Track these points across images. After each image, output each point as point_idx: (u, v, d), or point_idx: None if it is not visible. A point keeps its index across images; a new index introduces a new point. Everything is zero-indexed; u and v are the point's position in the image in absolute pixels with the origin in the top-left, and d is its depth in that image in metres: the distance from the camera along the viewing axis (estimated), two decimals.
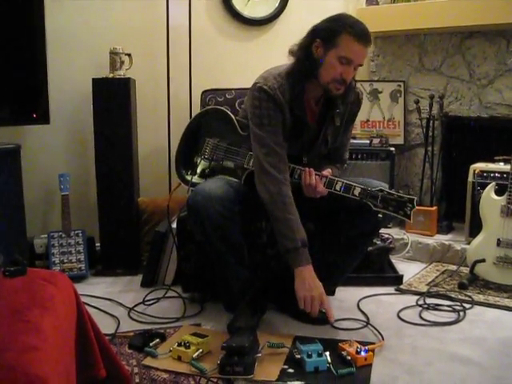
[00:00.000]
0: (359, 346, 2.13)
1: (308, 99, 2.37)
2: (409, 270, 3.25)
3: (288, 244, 2.25)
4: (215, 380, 1.97)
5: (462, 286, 2.92)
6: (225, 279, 2.47)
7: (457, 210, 3.64)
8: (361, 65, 2.27)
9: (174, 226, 2.78)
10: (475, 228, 3.20)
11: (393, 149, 3.68)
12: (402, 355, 2.19)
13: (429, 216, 3.54)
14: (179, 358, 2.10)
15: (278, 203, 2.27)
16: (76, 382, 1.48)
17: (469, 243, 3.25)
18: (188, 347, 2.10)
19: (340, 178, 2.34)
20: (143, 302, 2.75)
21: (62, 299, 1.51)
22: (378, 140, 3.71)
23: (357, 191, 2.24)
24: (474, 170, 3.27)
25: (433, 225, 3.55)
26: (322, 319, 2.50)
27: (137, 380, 1.97)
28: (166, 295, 2.81)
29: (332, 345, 2.20)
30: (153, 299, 2.79)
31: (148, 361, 2.11)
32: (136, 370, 2.05)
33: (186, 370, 2.03)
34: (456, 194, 3.66)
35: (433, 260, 3.42)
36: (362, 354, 2.09)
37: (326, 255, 2.49)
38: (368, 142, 3.71)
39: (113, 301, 2.77)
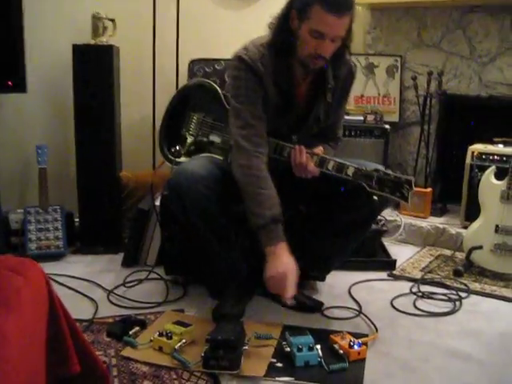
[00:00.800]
0: (352, 338, 2.01)
1: (295, 73, 2.19)
2: (401, 253, 3.14)
3: (257, 221, 2.05)
4: (199, 374, 1.84)
5: (457, 273, 2.80)
6: (210, 264, 2.33)
7: (452, 191, 3.52)
8: (341, 37, 2.04)
9: (158, 203, 2.63)
10: (471, 212, 3.10)
11: (387, 126, 3.53)
12: (397, 349, 2.07)
13: (423, 198, 3.41)
14: (160, 349, 1.96)
15: (247, 177, 2.09)
16: (45, 382, 1.36)
17: (464, 227, 3.15)
18: (170, 337, 1.96)
19: (333, 157, 2.18)
20: (123, 284, 2.61)
21: (31, 292, 1.36)
22: (373, 117, 3.56)
23: (350, 171, 2.08)
24: (473, 152, 3.14)
25: (427, 207, 3.43)
26: (312, 307, 2.39)
27: (115, 373, 1.84)
28: (148, 277, 2.67)
29: (323, 336, 2.07)
30: (134, 281, 2.64)
31: (127, 351, 1.97)
32: (114, 361, 1.91)
33: (168, 362, 1.90)
34: (451, 175, 3.53)
35: (426, 243, 3.30)
36: (355, 347, 1.96)
37: (319, 241, 2.35)
38: (362, 118, 3.56)
39: (91, 282, 2.62)
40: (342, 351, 1.96)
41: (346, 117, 3.45)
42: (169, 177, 2.25)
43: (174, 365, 1.88)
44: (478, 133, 3.34)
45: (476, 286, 2.68)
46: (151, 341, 1.99)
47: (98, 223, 3.06)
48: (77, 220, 3.14)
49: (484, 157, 3.11)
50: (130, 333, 2.06)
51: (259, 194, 2.07)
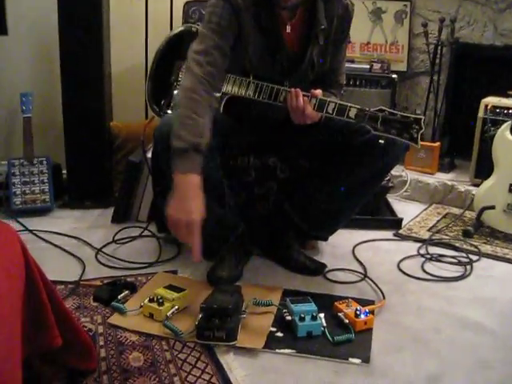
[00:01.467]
0: (358, 306, 1.86)
1: (279, 11, 1.98)
2: (407, 211, 2.98)
3: (177, 143, 1.75)
4: (192, 345, 1.69)
5: (466, 234, 2.65)
6: (203, 223, 2.14)
7: (460, 146, 3.35)
8: None
9: (150, 155, 2.45)
10: (482, 169, 2.96)
11: (395, 76, 3.33)
12: (406, 318, 1.93)
13: (430, 152, 3.24)
14: (151, 316, 1.81)
15: (187, 99, 1.84)
16: (21, 360, 1.21)
17: (474, 185, 3.01)
18: (161, 304, 1.81)
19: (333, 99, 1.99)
20: (113, 241, 2.45)
21: (3, 261, 1.20)
22: (379, 65, 3.35)
23: (352, 113, 1.89)
24: (486, 105, 2.95)
25: (434, 162, 3.26)
26: (314, 269, 2.24)
27: (101, 343, 1.69)
28: (140, 234, 2.52)
29: (326, 303, 1.93)
30: (124, 238, 2.49)
31: (115, 318, 1.82)
32: (101, 329, 1.76)
33: (159, 331, 1.75)
34: (461, 129, 3.35)
35: (433, 201, 3.14)
36: (362, 316, 1.82)
37: (322, 199, 2.18)
38: (368, 66, 3.35)
39: (79, 239, 2.47)
40: (347, 321, 1.81)
41: (351, 65, 3.28)
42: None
43: (166, 334, 1.73)
44: (491, 85, 3.15)
45: (487, 248, 2.53)
46: (141, 307, 1.84)
47: (87, 176, 2.88)
48: (64, 172, 2.96)
49: (498, 110, 2.93)
50: (119, 297, 1.91)
51: (191, 118, 1.80)
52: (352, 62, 3.37)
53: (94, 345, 1.59)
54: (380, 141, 1.88)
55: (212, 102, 1.88)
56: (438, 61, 3.31)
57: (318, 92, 1.96)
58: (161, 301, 1.81)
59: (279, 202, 2.28)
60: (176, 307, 1.82)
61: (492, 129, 2.85)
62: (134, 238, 2.49)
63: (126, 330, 1.76)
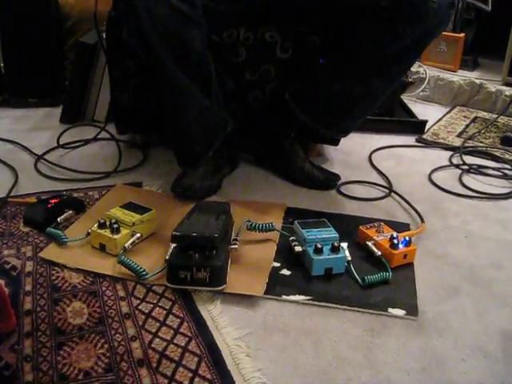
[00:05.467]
0: (394, 232, 1.34)
1: None
2: (426, 113, 2.42)
3: None
4: (160, 291, 1.16)
5: (506, 141, 2.12)
6: (182, 118, 1.56)
7: (484, 41, 2.76)
8: None
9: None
10: None
11: None
12: (454, 248, 1.41)
13: (454, 45, 2.66)
14: (102, 248, 1.27)
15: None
16: None
17: (506, 84, 2.47)
18: (117, 230, 1.26)
19: None
20: (59, 146, 1.88)
21: None
22: None
23: None
24: None
25: (457, 57, 2.68)
26: (324, 181, 1.72)
27: (27, 287, 1.15)
28: (96, 137, 1.94)
29: (347, 227, 1.42)
30: (74, 142, 1.92)
31: (50, 251, 1.26)
32: (29, 266, 1.22)
33: (112, 270, 1.21)
34: (489, 18, 2.75)
35: (456, 103, 2.59)
36: (400, 247, 1.30)
37: (335, 85, 1.58)
38: None
39: (16, 144, 1.89)
40: (379, 252, 1.29)
41: None
42: None
43: (122, 275, 1.20)
44: None
45: None
46: (88, 234, 1.30)
47: (30, 67, 2.26)
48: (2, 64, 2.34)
49: None
50: (59, 220, 1.36)
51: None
52: None
53: (7, 297, 1.04)
54: None
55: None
56: None
57: None
58: (116, 226, 1.26)
59: (278, 92, 1.71)
60: (138, 235, 1.28)
61: None
62: (86, 142, 1.92)
63: (65, 267, 1.22)
